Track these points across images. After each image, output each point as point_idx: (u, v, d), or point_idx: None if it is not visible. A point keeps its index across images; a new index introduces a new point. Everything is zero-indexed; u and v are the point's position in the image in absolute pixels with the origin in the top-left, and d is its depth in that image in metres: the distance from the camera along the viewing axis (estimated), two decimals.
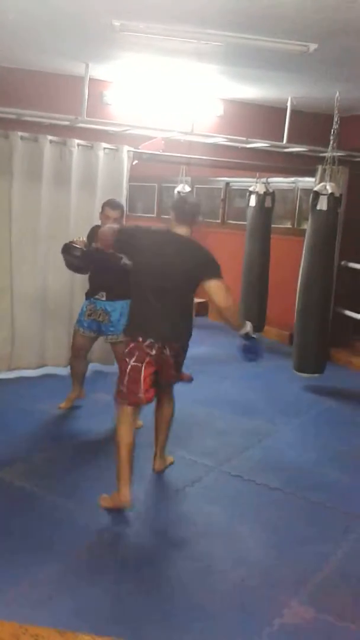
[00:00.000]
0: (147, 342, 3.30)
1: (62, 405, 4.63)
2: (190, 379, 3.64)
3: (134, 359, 3.30)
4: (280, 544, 3.16)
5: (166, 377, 3.47)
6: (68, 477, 3.68)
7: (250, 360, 3.55)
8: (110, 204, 4.28)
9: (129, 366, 3.31)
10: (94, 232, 4.29)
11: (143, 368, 3.29)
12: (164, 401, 3.68)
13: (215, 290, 3.32)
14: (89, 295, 4.42)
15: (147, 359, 3.30)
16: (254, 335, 3.52)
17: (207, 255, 3.41)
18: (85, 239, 4.32)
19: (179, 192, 7.93)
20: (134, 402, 3.33)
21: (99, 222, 4.47)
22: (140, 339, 3.31)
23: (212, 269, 3.35)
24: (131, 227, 3.61)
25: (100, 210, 4.38)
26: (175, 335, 3.40)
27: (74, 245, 4.24)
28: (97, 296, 4.34)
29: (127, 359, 3.32)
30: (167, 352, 3.36)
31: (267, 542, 3.17)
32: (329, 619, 2.58)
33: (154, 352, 3.31)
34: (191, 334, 3.50)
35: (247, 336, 3.46)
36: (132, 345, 3.33)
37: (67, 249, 4.27)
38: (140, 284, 3.36)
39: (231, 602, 2.67)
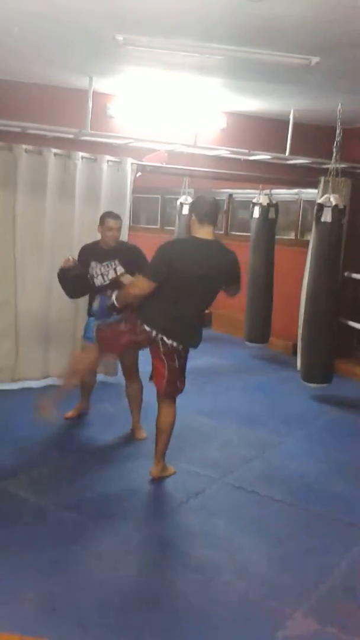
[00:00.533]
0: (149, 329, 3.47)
1: (69, 414, 4.63)
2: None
3: (123, 325, 3.52)
4: (283, 555, 3.14)
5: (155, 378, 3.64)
6: (72, 488, 3.68)
7: None
8: (111, 215, 4.34)
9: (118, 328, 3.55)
10: (88, 250, 4.40)
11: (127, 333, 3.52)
12: (162, 407, 3.71)
13: (234, 289, 3.68)
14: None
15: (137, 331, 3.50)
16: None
17: (235, 260, 3.56)
18: (74, 257, 4.37)
19: (181, 204, 7.97)
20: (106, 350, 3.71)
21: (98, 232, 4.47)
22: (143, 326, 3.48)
23: (237, 275, 3.60)
24: (163, 252, 3.49)
25: (99, 221, 4.39)
26: (182, 336, 3.52)
27: (66, 268, 4.28)
28: None
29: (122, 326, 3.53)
30: (168, 346, 3.48)
31: (270, 553, 3.16)
32: (332, 631, 2.57)
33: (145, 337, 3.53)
34: (198, 342, 3.64)
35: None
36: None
37: (63, 275, 4.30)
38: (173, 289, 3.44)
39: (234, 614, 2.66)
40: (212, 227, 3.47)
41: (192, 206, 3.58)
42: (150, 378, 3.69)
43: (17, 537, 3.11)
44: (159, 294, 3.46)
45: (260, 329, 6.96)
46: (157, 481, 3.75)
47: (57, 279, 4.49)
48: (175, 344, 3.51)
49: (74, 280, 4.32)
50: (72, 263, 4.28)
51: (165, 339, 3.48)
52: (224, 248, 3.52)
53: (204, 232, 3.45)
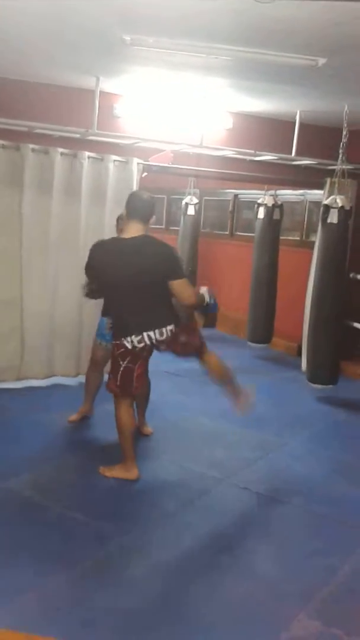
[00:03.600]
0: (138, 344, 3.50)
1: (72, 418, 4.61)
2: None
3: (126, 362, 3.54)
4: (287, 557, 3.14)
5: (182, 350, 3.66)
6: (76, 487, 3.69)
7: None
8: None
9: (122, 368, 3.55)
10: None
11: (136, 368, 3.58)
12: (205, 358, 3.79)
13: (179, 289, 3.49)
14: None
15: (139, 361, 3.56)
16: (210, 301, 3.88)
17: (165, 253, 3.51)
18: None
19: (186, 204, 7.98)
20: (127, 396, 3.66)
21: (108, 233, 4.51)
22: (130, 342, 3.50)
23: (176, 269, 3.50)
24: (91, 258, 3.63)
25: (115, 222, 4.47)
26: (160, 321, 3.54)
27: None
28: None
29: (120, 361, 3.54)
30: (159, 336, 3.52)
31: (274, 555, 3.16)
32: (336, 632, 2.56)
33: (145, 353, 3.58)
34: (178, 317, 3.64)
35: (207, 306, 3.82)
36: (122, 350, 3.54)
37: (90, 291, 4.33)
38: (114, 294, 3.58)
39: (238, 615, 2.66)
40: (142, 224, 3.48)
41: (126, 201, 3.61)
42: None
43: (22, 536, 3.12)
44: (113, 307, 3.65)
45: (263, 329, 6.96)
46: (162, 482, 3.75)
47: (63, 278, 4.49)
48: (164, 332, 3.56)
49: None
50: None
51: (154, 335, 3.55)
52: (153, 242, 3.49)
53: (131, 228, 3.48)
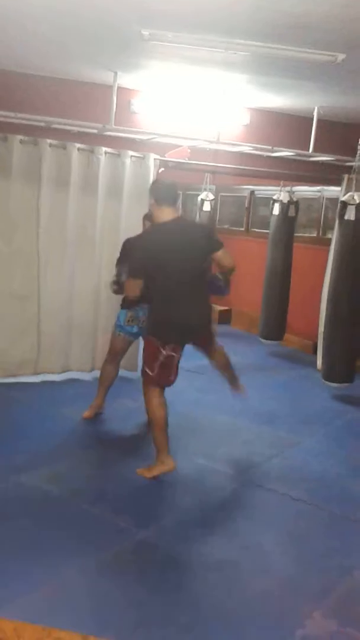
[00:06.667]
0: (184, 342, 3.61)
1: (87, 414, 4.62)
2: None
3: (168, 349, 3.54)
4: (302, 555, 3.14)
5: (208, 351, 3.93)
6: (93, 481, 3.70)
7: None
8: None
9: (162, 355, 3.54)
10: (125, 248, 4.41)
11: (175, 358, 3.59)
12: (213, 355, 4.02)
13: (223, 257, 3.71)
14: (129, 305, 4.45)
15: (181, 350, 3.62)
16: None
17: (208, 227, 3.65)
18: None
19: (202, 200, 7.95)
20: (166, 385, 3.65)
21: (125, 230, 4.52)
22: (177, 342, 3.57)
23: (217, 239, 3.69)
24: (137, 253, 3.65)
25: (142, 220, 4.48)
26: (206, 321, 3.73)
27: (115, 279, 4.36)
28: (141, 304, 4.39)
29: (161, 349, 3.54)
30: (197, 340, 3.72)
31: (289, 553, 3.15)
32: (352, 632, 2.56)
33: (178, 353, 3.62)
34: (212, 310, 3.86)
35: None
36: (163, 340, 3.57)
37: (118, 282, 4.34)
38: (168, 283, 3.53)
39: (253, 612, 2.66)
40: (173, 208, 3.53)
41: (150, 191, 3.66)
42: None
43: (41, 529, 3.14)
44: (163, 299, 3.59)
45: (275, 326, 6.93)
46: (178, 478, 3.76)
47: (79, 273, 4.50)
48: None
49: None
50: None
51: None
52: (191, 222, 3.63)
53: (166, 213, 3.51)
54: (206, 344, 3.91)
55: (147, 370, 3.62)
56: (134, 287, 3.60)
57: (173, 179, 3.77)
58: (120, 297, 4.47)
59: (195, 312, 3.61)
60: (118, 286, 4.31)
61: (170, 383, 3.68)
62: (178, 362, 3.67)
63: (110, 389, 4.76)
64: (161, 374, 3.60)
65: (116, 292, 4.39)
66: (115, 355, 4.59)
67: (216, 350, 4.04)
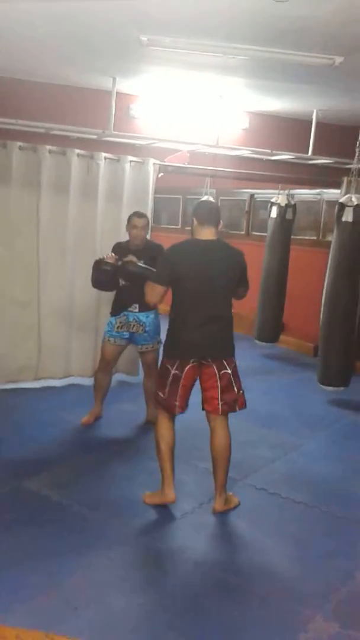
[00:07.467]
0: (191, 360, 3.38)
1: (85, 420, 4.62)
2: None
3: (175, 368, 3.40)
4: (304, 558, 3.13)
5: (211, 398, 3.44)
6: (94, 487, 3.70)
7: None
8: (136, 214, 4.48)
9: (170, 373, 3.41)
10: (119, 248, 4.45)
11: (182, 376, 3.38)
12: (217, 429, 3.52)
13: (242, 294, 3.63)
14: (117, 311, 4.47)
15: (187, 368, 3.38)
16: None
17: (243, 259, 3.52)
18: (112, 253, 4.40)
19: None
20: (170, 411, 3.47)
21: (125, 235, 4.57)
22: (190, 358, 3.38)
23: (246, 275, 3.53)
24: (167, 257, 3.52)
25: (126, 222, 4.52)
26: (226, 345, 3.48)
27: (105, 260, 4.32)
28: (130, 309, 4.41)
29: (170, 367, 3.41)
30: (214, 367, 3.39)
31: (291, 556, 3.15)
32: (354, 634, 2.55)
33: (192, 365, 3.40)
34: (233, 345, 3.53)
35: None
36: (172, 359, 3.43)
37: (98, 265, 4.34)
38: (190, 299, 3.37)
39: (255, 616, 2.66)
40: (214, 228, 3.48)
41: (193, 210, 3.62)
42: (203, 408, 3.51)
43: (41, 535, 3.14)
44: (176, 315, 3.42)
45: (270, 328, 6.93)
46: (179, 482, 3.75)
47: (80, 279, 4.52)
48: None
49: (104, 273, 4.36)
50: (112, 260, 4.33)
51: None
52: (230, 247, 3.51)
53: (205, 234, 3.46)
54: (211, 375, 3.43)
55: (159, 392, 3.50)
56: (153, 293, 3.45)
57: (215, 202, 3.75)
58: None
59: (205, 334, 3.37)
60: (99, 272, 4.33)
61: (173, 408, 3.43)
62: (187, 390, 3.43)
63: (111, 394, 4.78)
64: (169, 397, 3.41)
65: (97, 279, 4.39)
66: (107, 363, 4.59)
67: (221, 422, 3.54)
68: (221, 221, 3.53)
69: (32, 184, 5.01)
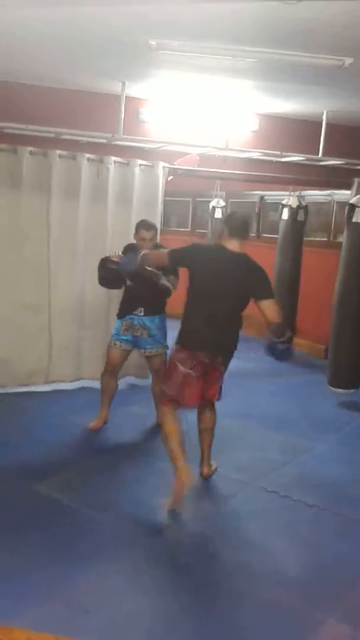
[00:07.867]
0: (201, 352, 3.51)
1: (93, 425, 4.59)
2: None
3: (186, 366, 3.50)
4: (316, 561, 3.12)
5: (211, 390, 3.65)
6: (103, 490, 3.70)
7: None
8: (143, 226, 4.41)
9: (180, 372, 3.50)
10: (130, 249, 4.42)
11: (195, 376, 3.51)
12: (206, 410, 3.80)
13: (268, 308, 3.53)
14: (123, 313, 4.48)
15: (199, 367, 3.51)
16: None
17: (261, 273, 3.59)
18: (120, 253, 4.40)
19: (213, 207, 7.96)
20: (181, 405, 3.58)
21: (133, 238, 4.57)
22: (193, 350, 3.51)
23: (268, 289, 3.58)
24: (188, 246, 3.74)
25: (135, 229, 4.50)
26: (224, 347, 3.62)
27: (111, 259, 4.32)
28: (135, 312, 4.41)
29: (180, 366, 3.51)
30: (218, 360, 3.57)
31: (303, 559, 3.14)
32: None
33: (207, 360, 3.53)
34: (236, 347, 3.70)
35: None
36: (185, 353, 3.53)
37: (104, 263, 4.35)
38: (198, 297, 3.56)
39: (267, 619, 2.64)
40: (240, 242, 3.58)
41: (225, 220, 3.76)
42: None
43: (51, 537, 3.14)
44: (189, 311, 3.59)
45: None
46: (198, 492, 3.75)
47: (90, 282, 4.53)
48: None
49: (110, 271, 4.35)
50: (117, 259, 4.32)
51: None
52: (251, 261, 3.59)
53: (231, 245, 3.56)
54: (213, 376, 3.63)
55: (163, 387, 3.68)
56: (157, 255, 3.79)
57: (249, 215, 3.84)
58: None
59: (211, 335, 3.52)
60: (105, 270, 4.32)
61: (186, 404, 3.60)
62: (198, 385, 3.56)
63: (121, 397, 4.78)
64: (178, 392, 3.55)
65: (102, 277, 4.39)
66: (113, 367, 4.58)
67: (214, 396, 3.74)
68: (250, 233, 3.64)
69: (42, 189, 5.03)
